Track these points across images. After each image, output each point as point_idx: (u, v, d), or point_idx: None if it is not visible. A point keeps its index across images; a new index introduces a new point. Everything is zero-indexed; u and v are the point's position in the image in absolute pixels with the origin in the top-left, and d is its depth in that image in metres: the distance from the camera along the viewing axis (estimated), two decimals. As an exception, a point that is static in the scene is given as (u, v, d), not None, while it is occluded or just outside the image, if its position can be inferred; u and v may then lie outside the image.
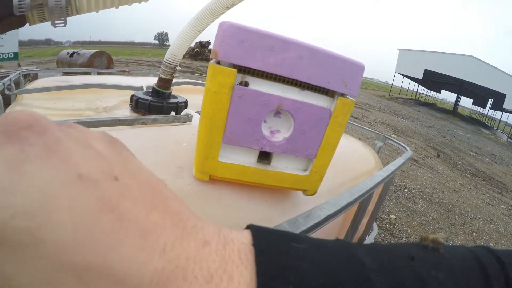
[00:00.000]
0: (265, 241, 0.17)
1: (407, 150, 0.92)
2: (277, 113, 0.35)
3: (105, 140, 0.18)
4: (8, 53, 5.75)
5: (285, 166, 0.39)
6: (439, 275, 0.19)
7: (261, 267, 0.16)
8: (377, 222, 2.47)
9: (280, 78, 0.34)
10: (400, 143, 1.04)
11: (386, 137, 1.07)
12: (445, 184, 4.20)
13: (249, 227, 0.19)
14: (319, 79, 0.34)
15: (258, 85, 0.34)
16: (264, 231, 0.18)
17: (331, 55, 0.34)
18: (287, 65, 0.33)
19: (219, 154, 0.35)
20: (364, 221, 0.69)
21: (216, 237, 0.17)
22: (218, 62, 0.33)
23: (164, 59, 0.89)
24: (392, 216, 2.82)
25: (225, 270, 0.15)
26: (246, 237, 0.18)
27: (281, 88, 0.35)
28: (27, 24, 0.37)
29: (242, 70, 0.33)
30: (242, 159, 0.37)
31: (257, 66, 0.32)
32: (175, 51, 0.86)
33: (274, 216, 0.40)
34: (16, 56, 5.88)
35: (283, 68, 0.33)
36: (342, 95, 0.36)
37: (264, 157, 0.38)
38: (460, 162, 5.94)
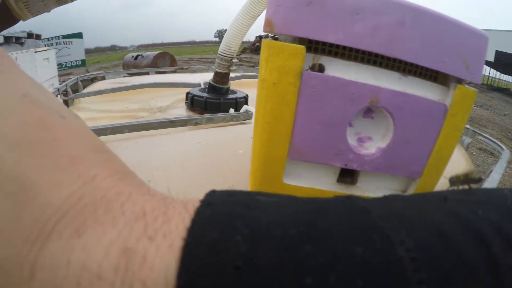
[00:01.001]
0: (218, 195, 0.14)
1: (503, 149, 0.75)
2: (368, 111, 0.24)
3: None
4: (76, 61, 6.66)
5: (376, 187, 0.27)
6: (492, 217, 0.13)
7: (200, 215, 0.12)
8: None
9: (371, 58, 0.23)
10: (494, 140, 0.85)
11: (476, 132, 0.87)
12: (527, 181, 3.67)
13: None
14: (430, 57, 0.22)
15: (339, 70, 0.22)
16: (225, 191, 0.14)
17: (446, 19, 0.22)
18: (382, 35, 0.21)
19: (283, 173, 0.25)
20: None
21: (159, 193, 0.14)
22: (276, 38, 0.22)
23: (219, 52, 0.82)
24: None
25: (165, 212, 0.12)
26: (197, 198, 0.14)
27: (374, 72, 0.23)
28: (21, 20, 0.34)
29: (313, 47, 0.22)
30: (316, 179, 0.26)
31: (335, 39, 0.21)
32: (230, 41, 0.78)
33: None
34: (83, 63, 6.75)
35: (376, 41, 0.21)
36: (459, 81, 0.24)
37: (347, 174, 0.27)
38: (543, 156, 5.17)
